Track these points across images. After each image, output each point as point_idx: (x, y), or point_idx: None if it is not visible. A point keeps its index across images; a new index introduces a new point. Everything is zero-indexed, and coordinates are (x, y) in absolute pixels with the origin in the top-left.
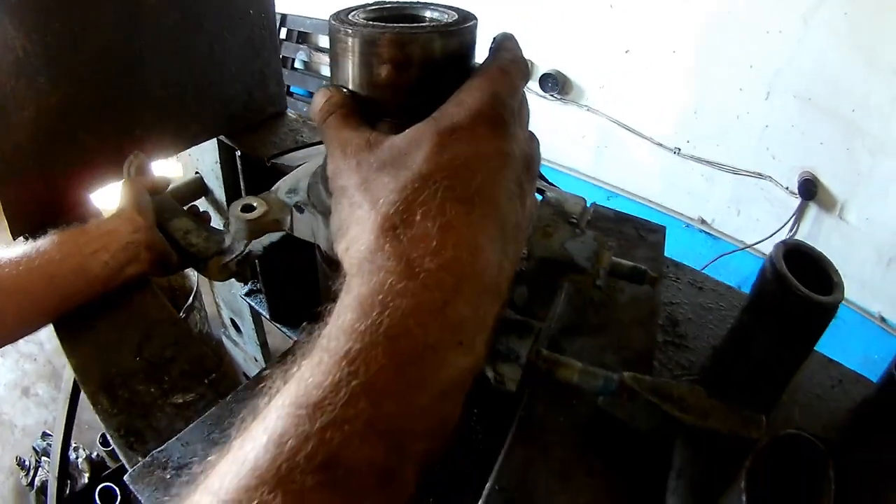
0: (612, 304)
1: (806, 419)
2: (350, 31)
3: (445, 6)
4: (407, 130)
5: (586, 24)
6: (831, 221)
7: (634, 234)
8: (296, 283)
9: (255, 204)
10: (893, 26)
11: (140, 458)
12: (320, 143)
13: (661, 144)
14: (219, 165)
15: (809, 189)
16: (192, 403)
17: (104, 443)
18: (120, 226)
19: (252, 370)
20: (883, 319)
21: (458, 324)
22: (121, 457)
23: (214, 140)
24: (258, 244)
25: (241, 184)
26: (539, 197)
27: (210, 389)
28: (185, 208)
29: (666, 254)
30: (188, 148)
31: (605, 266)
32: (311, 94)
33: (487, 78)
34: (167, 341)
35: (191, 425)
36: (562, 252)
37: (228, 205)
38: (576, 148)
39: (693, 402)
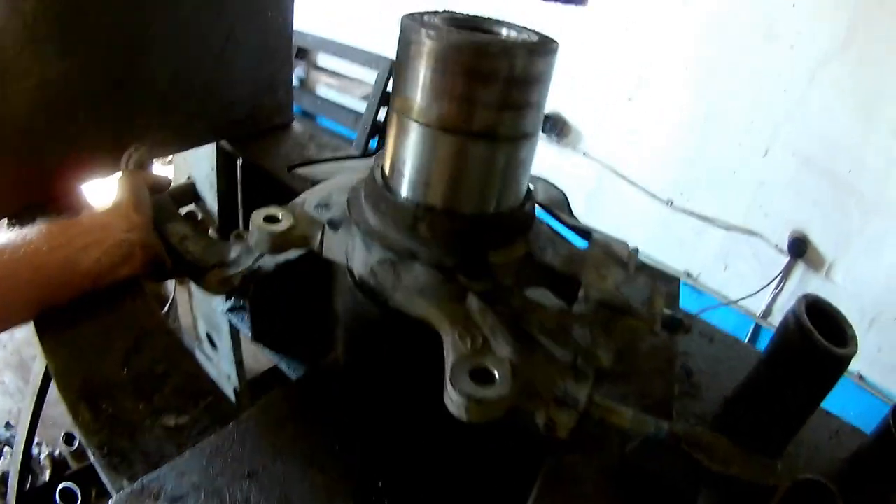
0: (633, 352)
1: (808, 468)
2: (433, 35)
3: (520, 25)
4: None
5: (592, 68)
6: (818, 281)
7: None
8: (287, 306)
9: (279, 215)
10: None
11: (126, 482)
12: (348, 157)
13: (654, 195)
14: (214, 172)
15: (799, 247)
16: (185, 427)
17: (67, 441)
18: (115, 221)
19: (225, 388)
20: (861, 378)
21: None
22: (103, 478)
23: (212, 145)
24: (271, 261)
25: (239, 194)
26: (578, 240)
27: (206, 414)
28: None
29: None
30: (188, 149)
31: (660, 311)
32: (304, 113)
33: None
34: (158, 354)
35: (187, 452)
36: (618, 296)
37: (220, 215)
38: (569, 192)
39: (719, 451)
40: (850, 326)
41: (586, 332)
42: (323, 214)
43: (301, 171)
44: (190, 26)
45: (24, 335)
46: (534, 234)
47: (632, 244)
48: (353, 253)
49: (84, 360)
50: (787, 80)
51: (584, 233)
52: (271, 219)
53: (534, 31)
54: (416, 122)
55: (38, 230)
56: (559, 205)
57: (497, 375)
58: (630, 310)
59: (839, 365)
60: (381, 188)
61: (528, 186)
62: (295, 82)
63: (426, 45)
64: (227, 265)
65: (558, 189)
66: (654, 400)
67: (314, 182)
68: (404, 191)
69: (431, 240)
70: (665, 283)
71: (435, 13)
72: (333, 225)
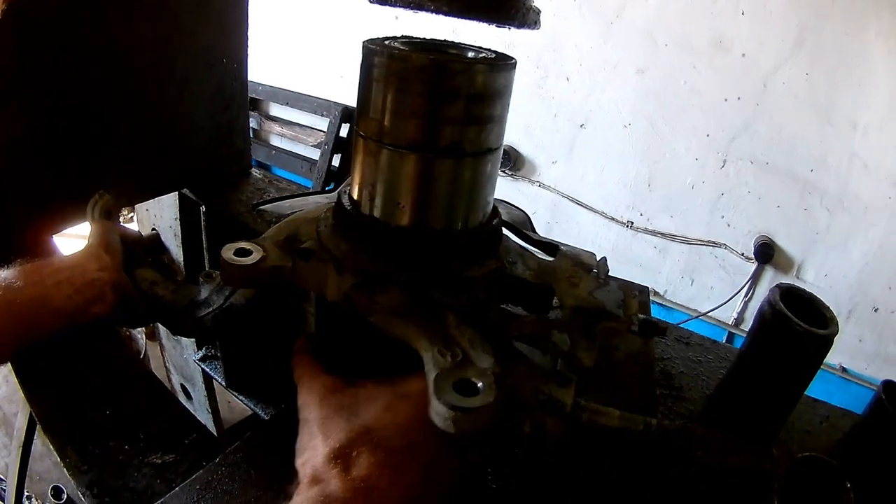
0: (611, 361)
1: (802, 452)
2: (396, 56)
3: (476, 46)
4: (367, 387)
5: (542, 99)
6: (788, 282)
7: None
8: (260, 347)
9: (249, 248)
10: (853, 81)
11: None
12: (310, 193)
13: (613, 218)
14: (178, 222)
15: (766, 253)
16: (172, 465)
17: (56, 495)
18: (86, 261)
19: None
20: (844, 370)
21: None
22: None
23: (174, 195)
24: (242, 297)
25: (204, 241)
26: (541, 253)
27: (192, 451)
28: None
29: None
30: (152, 197)
31: (636, 312)
32: (259, 164)
33: None
34: (139, 395)
35: (176, 489)
36: (591, 300)
37: (186, 263)
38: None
39: (714, 443)
40: (829, 309)
41: (565, 336)
42: (293, 246)
43: (266, 207)
44: (146, 78)
45: (6, 392)
46: (503, 249)
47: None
48: (325, 280)
49: (67, 405)
50: (741, 88)
51: (551, 247)
52: (242, 252)
53: (490, 50)
54: (382, 143)
55: (12, 269)
56: (523, 224)
57: (480, 385)
58: (606, 313)
59: (821, 346)
60: (350, 213)
61: (494, 203)
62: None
63: (390, 67)
64: (199, 306)
65: (520, 210)
66: (637, 405)
67: (280, 218)
68: (374, 213)
69: (404, 260)
70: (635, 292)
71: (395, 38)
72: (304, 255)
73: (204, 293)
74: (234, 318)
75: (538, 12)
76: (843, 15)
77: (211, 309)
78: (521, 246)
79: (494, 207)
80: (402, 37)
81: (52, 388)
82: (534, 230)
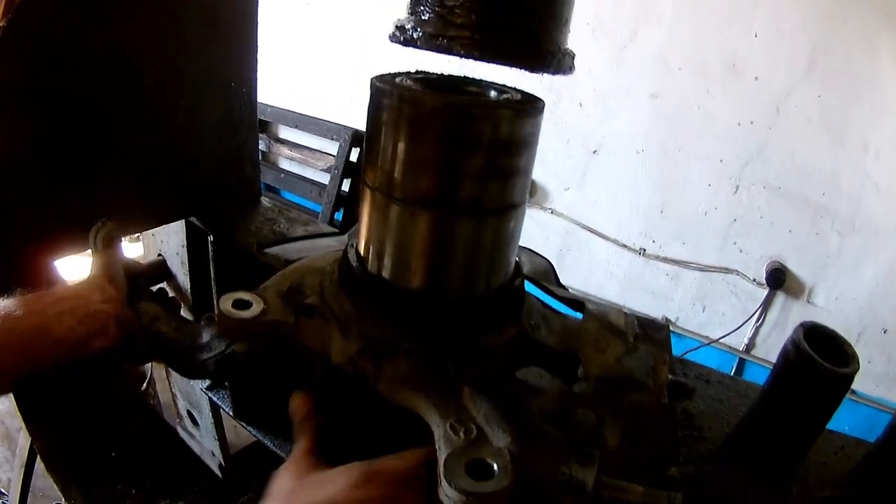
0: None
1: (819, 486)
2: (407, 98)
3: (499, 84)
4: (342, 467)
5: (555, 125)
6: (799, 307)
7: (641, 333)
8: (268, 385)
9: (249, 300)
10: (865, 102)
11: None
12: (320, 234)
13: (625, 246)
14: (185, 249)
15: (777, 278)
16: None
17: None
18: (89, 292)
19: (210, 463)
20: (853, 391)
21: None
22: None
23: (181, 222)
24: (242, 345)
25: (212, 272)
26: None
27: (201, 498)
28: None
29: None
30: (157, 226)
31: (664, 381)
32: (267, 187)
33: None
34: (143, 434)
35: None
36: (619, 368)
37: (193, 292)
38: (538, 249)
39: (736, 483)
40: (850, 346)
41: (590, 413)
42: (296, 299)
43: (272, 250)
44: (151, 100)
45: (9, 407)
46: (525, 309)
47: (606, 297)
48: (329, 342)
49: (70, 442)
50: (754, 112)
51: (577, 304)
52: (241, 304)
53: (516, 90)
54: (392, 197)
55: (14, 298)
56: (545, 275)
57: (496, 467)
58: (634, 382)
59: (844, 384)
60: (356, 271)
61: (517, 259)
62: None
63: (401, 109)
64: (201, 349)
65: (542, 257)
66: (659, 447)
67: (287, 261)
68: (382, 274)
69: (415, 326)
70: (655, 331)
71: (407, 74)
72: (307, 311)
73: (206, 336)
74: (235, 366)
75: (573, 56)
76: (854, 36)
77: (212, 354)
78: (543, 304)
79: (517, 264)
80: (417, 72)
81: (55, 420)
82: (557, 280)
